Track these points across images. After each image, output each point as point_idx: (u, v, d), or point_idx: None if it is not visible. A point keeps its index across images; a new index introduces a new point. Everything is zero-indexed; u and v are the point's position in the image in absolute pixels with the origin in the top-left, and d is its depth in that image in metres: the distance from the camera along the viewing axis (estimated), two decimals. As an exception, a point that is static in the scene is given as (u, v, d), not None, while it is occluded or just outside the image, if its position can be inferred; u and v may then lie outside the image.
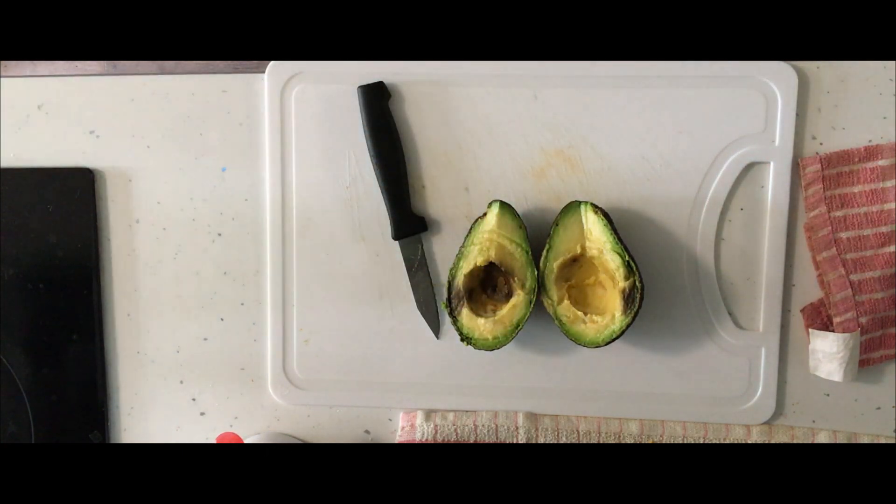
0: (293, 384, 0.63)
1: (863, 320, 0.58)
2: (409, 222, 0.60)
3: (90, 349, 0.63)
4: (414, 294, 0.61)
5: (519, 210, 0.59)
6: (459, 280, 0.58)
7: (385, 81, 0.60)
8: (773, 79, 0.58)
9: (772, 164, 0.59)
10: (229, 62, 0.62)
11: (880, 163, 0.58)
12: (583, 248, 0.58)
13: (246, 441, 0.62)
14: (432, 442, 0.61)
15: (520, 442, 0.60)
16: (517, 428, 0.61)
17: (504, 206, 0.58)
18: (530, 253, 0.58)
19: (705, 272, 0.60)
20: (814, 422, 0.61)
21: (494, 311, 0.58)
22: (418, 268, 0.61)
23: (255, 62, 0.61)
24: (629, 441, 0.60)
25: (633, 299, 0.56)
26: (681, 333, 0.60)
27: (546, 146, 0.60)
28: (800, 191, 0.59)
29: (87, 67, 0.63)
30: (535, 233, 0.60)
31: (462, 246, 0.58)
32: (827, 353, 0.58)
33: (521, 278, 0.58)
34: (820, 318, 0.60)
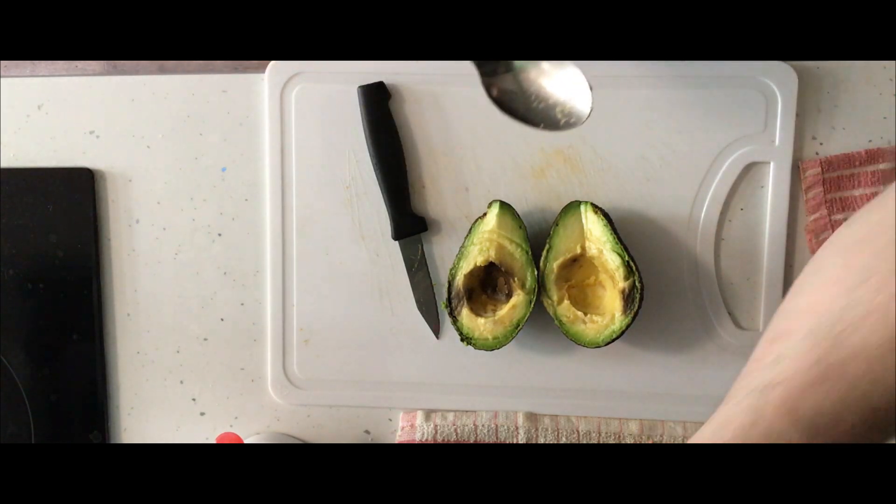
0: (293, 384, 0.63)
1: (863, 320, 0.58)
2: (409, 222, 0.60)
3: (90, 349, 0.63)
4: (414, 294, 0.61)
5: (519, 210, 0.59)
6: (459, 280, 0.58)
7: (385, 81, 0.60)
8: (773, 79, 0.58)
9: (772, 164, 0.59)
10: (229, 62, 0.62)
11: (881, 166, 0.58)
12: (583, 248, 0.58)
13: (246, 441, 0.62)
14: (432, 442, 0.61)
15: (520, 442, 0.60)
16: (517, 428, 0.61)
17: (504, 206, 0.58)
18: (530, 253, 0.58)
19: (705, 272, 0.60)
20: (814, 422, 0.61)
21: (494, 311, 0.58)
22: (418, 268, 0.61)
23: (255, 62, 0.61)
24: (629, 441, 0.60)
25: (633, 299, 0.56)
26: (681, 333, 0.60)
27: (546, 146, 0.60)
28: (800, 192, 0.59)
29: (87, 67, 0.63)
30: (535, 233, 0.60)
31: (462, 246, 0.58)
32: (827, 354, 0.58)
33: (521, 278, 0.58)
34: (820, 318, 0.60)
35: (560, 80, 0.49)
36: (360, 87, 0.59)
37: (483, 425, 0.61)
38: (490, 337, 0.57)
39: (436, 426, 0.61)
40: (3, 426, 0.64)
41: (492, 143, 0.60)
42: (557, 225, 0.58)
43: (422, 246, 0.61)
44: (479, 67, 0.49)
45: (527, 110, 0.49)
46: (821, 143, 0.59)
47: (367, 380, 0.62)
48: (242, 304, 0.63)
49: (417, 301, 0.61)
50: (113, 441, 0.64)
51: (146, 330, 0.64)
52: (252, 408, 0.64)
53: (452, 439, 0.61)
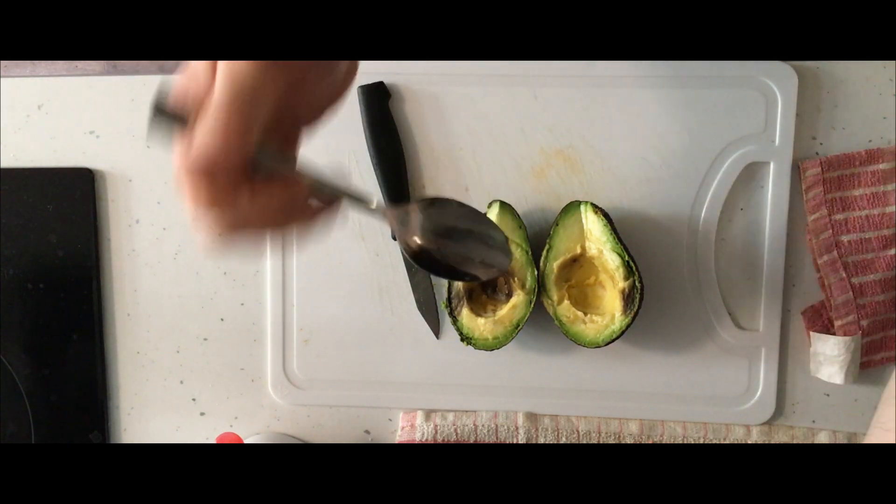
0: (293, 384, 0.63)
1: (864, 323, 0.58)
2: (409, 222, 0.60)
3: (90, 349, 0.63)
4: (414, 294, 0.61)
5: (519, 210, 0.59)
6: (459, 280, 0.58)
7: (385, 81, 0.60)
8: (773, 79, 0.58)
9: (772, 164, 0.59)
10: (229, 62, 0.61)
11: (881, 166, 0.58)
12: (583, 248, 0.58)
13: (246, 441, 0.62)
14: (432, 442, 0.61)
15: (520, 442, 0.60)
16: (517, 428, 0.61)
17: (504, 206, 0.58)
18: (530, 253, 0.58)
19: (705, 272, 0.60)
20: (814, 422, 0.61)
21: (494, 311, 0.58)
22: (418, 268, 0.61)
23: (255, 62, 0.61)
24: (629, 441, 0.60)
25: (633, 299, 0.56)
26: (681, 333, 0.60)
27: (546, 146, 0.60)
28: (800, 192, 0.59)
29: (87, 67, 0.63)
30: (535, 233, 0.60)
31: (462, 246, 0.58)
32: (828, 356, 0.58)
33: (521, 278, 0.58)
34: (821, 320, 0.60)
35: (478, 237, 0.46)
36: (360, 87, 0.59)
37: (483, 425, 0.61)
38: (490, 337, 0.57)
39: (436, 426, 0.61)
40: (3, 426, 0.64)
41: (492, 143, 0.60)
42: (557, 225, 0.58)
43: (422, 246, 0.61)
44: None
45: (448, 269, 0.45)
46: (821, 143, 0.59)
47: (367, 380, 0.62)
48: (242, 304, 0.63)
49: (417, 301, 0.61)
50: (113, 441, 0.64)
51: (146, 330, 0.64)
52: (252, 408, 0.64)
53: (452, 439, 0.61)
